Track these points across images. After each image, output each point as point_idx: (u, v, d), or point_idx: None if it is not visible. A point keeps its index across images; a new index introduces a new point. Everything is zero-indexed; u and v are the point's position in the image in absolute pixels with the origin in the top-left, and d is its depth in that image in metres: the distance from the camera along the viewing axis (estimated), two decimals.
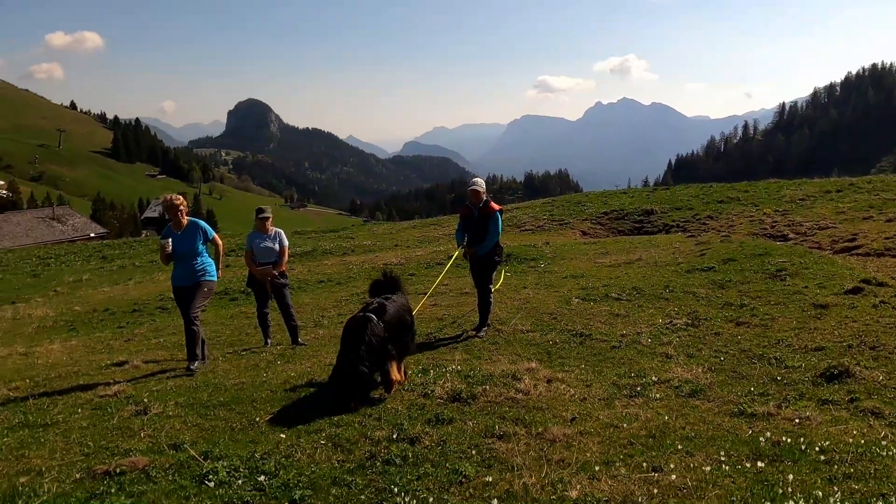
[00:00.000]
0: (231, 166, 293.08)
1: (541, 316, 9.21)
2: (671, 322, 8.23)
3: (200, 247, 7.86)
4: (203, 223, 8.05)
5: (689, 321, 8.18)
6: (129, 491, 3.89)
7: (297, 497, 3.69)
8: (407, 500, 3.59)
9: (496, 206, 8.57)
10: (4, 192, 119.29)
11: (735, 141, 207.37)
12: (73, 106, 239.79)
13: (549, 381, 5.92)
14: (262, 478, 3.95)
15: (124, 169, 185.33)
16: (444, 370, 6.36)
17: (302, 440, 4.59)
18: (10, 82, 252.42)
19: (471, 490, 3.74)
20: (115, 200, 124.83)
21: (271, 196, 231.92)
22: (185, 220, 7.90)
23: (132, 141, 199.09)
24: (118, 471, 4.19)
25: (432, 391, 5.63)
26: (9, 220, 53.24)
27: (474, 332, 8.38)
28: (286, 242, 9.42)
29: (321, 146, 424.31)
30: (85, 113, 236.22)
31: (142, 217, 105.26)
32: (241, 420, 5.23)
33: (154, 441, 4.82)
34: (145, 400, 6.01)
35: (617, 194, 30.08)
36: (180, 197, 7.94)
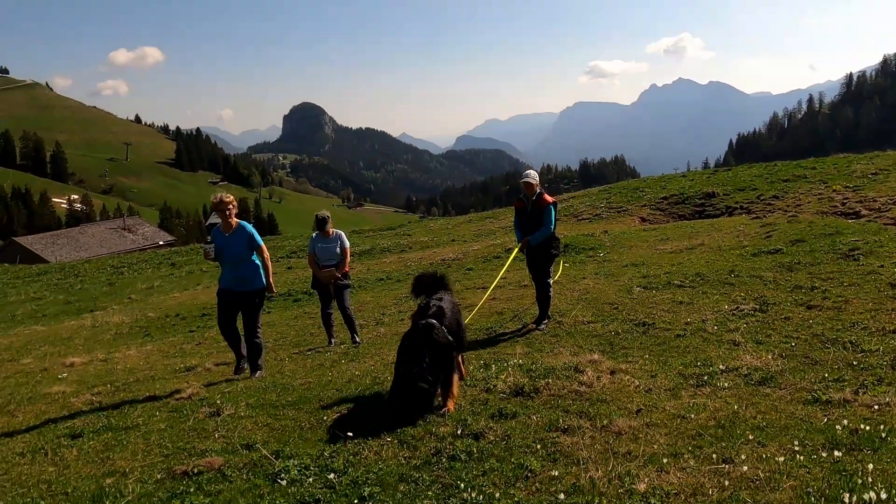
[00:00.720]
0: (288, 169, 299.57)
1: (601, 306, 9.10)
2: (738, 308, 8.00)
3: (248, 252, 7.53)
4: (251, 228, 7.70)
5: (757, 306, 7.94)
6: (207, 490, 4.05)
7: (365, 494, 3.77)
8: (473, 495, 3.61)
9: (550, 199, 8.48)
10: (79, 205, 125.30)
11: (799, 116, 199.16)
12: (137, 119, 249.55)
13: (612, 373, 5.85)
14: (331, 476, 4.05)
15: (188, 178, 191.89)
16: (505, 364, 6.36)
17: (369, 438, 4.68)
18: (79, 100, 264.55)
19: (537, 485, 3.74)
20: (181, 208, 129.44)
21: (328, 197, 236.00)
22: (235, 221, 7.54)
23: (194, 150, 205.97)
24: (196, 471, 4.37)
25: (494, 386, 5.64)
26: (84, 232, 55.90)
27: (535, 326, 8.35)
28: (347, 244, 9.54)
29: (375, 145, 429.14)
30: (149, 126, 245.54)
31: (206, 223, 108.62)
32: (309, 419, 5.36)
33: (228, 441, 5.00)
34: (218, 402, 6.23)
35: (676, 178, 29.37)
36: (230, 196, 7.57)
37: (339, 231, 9.57)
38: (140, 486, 4.25)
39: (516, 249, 8.95)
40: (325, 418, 5.34)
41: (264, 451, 4.59)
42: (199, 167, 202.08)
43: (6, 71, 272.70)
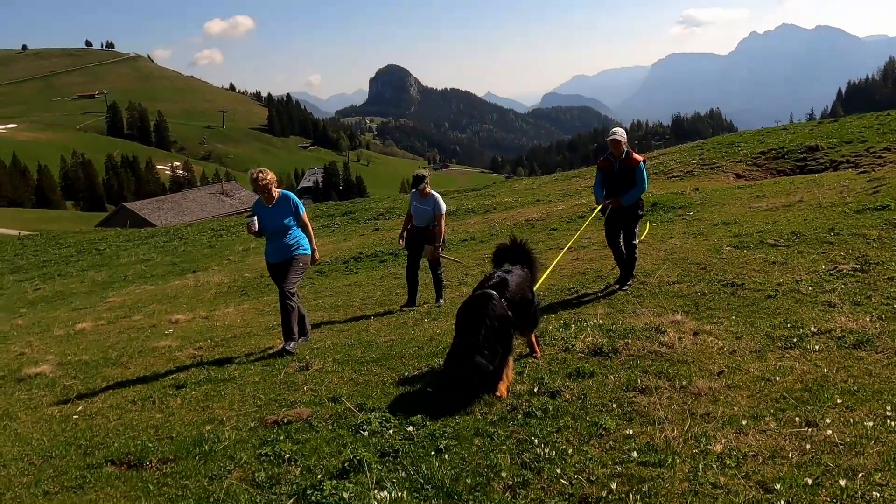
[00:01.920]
0: (375, 132, 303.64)
1: (688, 266, 8.84)
2: (836, 268, 7.58)
3: (292, 221, 7.43)
4: (294, 197, 7.62)
5: (858, 266, 7.49)
6: (295, 438, 4.33)
7: (442, 446, 3.91)
8: (547, 451, 3.68)
9: (639, 157, 8.01)
10: (181, 172, 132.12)
11: None
12: (231, 87, 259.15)
13: (695, 334, 5.73)
14: (410, 428, 4.22)
15: (280, 143, 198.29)
16: (585, 325, 6.34)
17: (447, 394, 4.82)
18: (178, 71, 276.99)
19: (611, 443, 3.76)
20: (274, 173, 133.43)
21: (415, 159, 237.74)
22: (276, 192, 7.50)
23: (285, 116, 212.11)
24: (285, 420, 4.68)
25: (573, 346, 5.65)
26: (186, 197, 59.02)
27: (618, 287, 8.22)
28: (443, 208, 9.26)
29: (460, 105, 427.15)
30: (242, 93, 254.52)
31: (298, 187, 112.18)
32: (391, 375, 5.57)
33: (315, 394, 5.30)
34: (307, 357, 6.56)
35: (776, 131, 27.72)
36: (267, 172, 7.50)
37: (436, 194, 9.30)
38: (235, 433, 4.60)
39: (597, 209, 8.49)
40: (406, 374, 5.53)
41: (348, 404, 4.83)
42: (289, 132, 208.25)
43: (112, 45, 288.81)
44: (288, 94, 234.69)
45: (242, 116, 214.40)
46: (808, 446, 3.40)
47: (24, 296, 19.89)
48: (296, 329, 7.37)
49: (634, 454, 3.53)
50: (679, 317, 6.28)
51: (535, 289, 5.78)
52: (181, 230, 37.07)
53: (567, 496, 3.21)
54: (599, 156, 8.77)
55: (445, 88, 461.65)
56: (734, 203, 14.43)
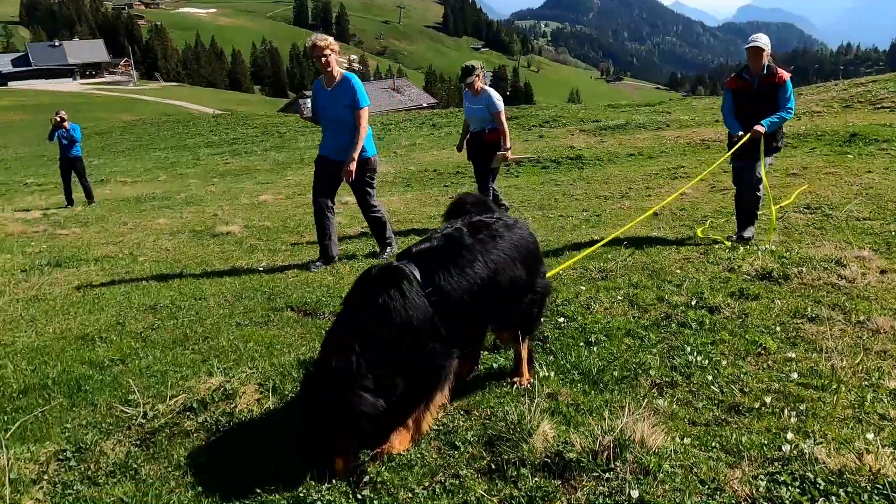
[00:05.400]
0: (549, 38, 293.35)
1: (885, 203, 7.97)
2: None
3: (352, 112, 6.15)
4: (358, 83, 6.23)
5: None
6: None
7: (592, 340, 3.99)
8: (699, 359, 3.63)
9: (785, 74, 6.40)
10: (357, 65, 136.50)
11: None
12: None
13: (882, 272, 5.24)
14: (561, 319, 4.32)
15: (452, 43, 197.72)
16: (755, 248, 6.01)
17: (600, 294, 4.85)
18: None
19: (769, 362, 3.64)
20: (444, 73, 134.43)
21: (587, 69, 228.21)
22: (338, 72, 6.17)
23: (459, 15, 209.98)
24: None
25: (739, 266, 5.40)
26: None
27: (736, 237, 6.60)
28: (500, 106, 7.78)
29: (643, 13, 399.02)
30: None
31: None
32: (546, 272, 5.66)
33: None
34: None
35: None
36: (328, 39, 6.10)
37: (490, 89, 7.91)
38: None
39: (740, 143, 6.39)
40: (560, 273, 5.59)
41: None
42: (463, 32, 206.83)
43: None
44: None
45: (418, 13, 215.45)
46: None
47: (216, 167, 22.12)
48: (389, 236, 6.61)
49: (794, 375, 3.40)
50: (866, 253, 5.75)
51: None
52: None
53: (717, 402, 3.19)
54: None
55: None
56: None
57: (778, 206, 7.83)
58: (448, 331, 2.83)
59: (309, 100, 6.26)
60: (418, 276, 2.86)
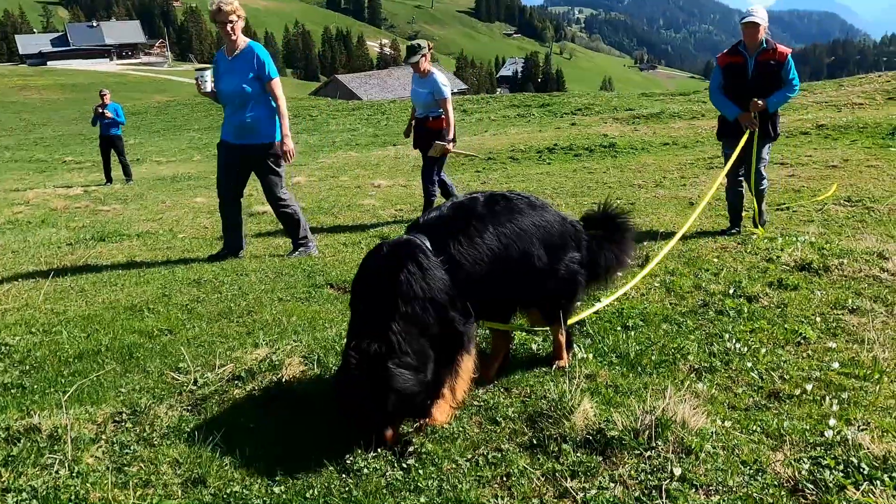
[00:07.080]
0: (583, 24, 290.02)
1: None
2: None
3: (255, 87, 5.43)
4: (263, 53, 5.49)
5: None
6: None
7: (629, 324, 4.02)
8: (738, 346, 3.64)
9: (786, 50, 6.04)
10: (388, 49, 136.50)
11: None
12: None
13: None
14: (598, 304, 4.35)
15: (484, 28, 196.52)
16: (794, 239, 5.95)
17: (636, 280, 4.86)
18: None
19: (809, 351, 3.63)
20: (475, 58, 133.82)
21: (620, 56, 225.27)
22: (242, 41, 5.46)
23: (492, 0, 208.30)
24: None
25: (777, 257, 5.36)
26: (391, 74, 61.31)
27: (759, 222, 6.57)
28: (445, 92, 7.03)
29: (679, 1, 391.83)
30: None
31: (497, 75, 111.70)
32: None
33: None
34: None
35: None
36: (233, 3, 5.34)
37: (438, 72, 7.18)
38: None
39: (746, 134, 6.11)
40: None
41: None
42: (495, 18, 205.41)
43: None
44: None
45: None
46: None
47: None
48: (303, 232, 6.09)
49: (836, 364, 3.39)
50: None
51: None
52: (384, 105, 38.86)
53: (756, 388, 3.20)
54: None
55: None
56: None
57: (796, 204, 7.81)
58: (462, 299, 2.90)
59: (207, 72, 5.51)
60: (429, 246, 2.90)
